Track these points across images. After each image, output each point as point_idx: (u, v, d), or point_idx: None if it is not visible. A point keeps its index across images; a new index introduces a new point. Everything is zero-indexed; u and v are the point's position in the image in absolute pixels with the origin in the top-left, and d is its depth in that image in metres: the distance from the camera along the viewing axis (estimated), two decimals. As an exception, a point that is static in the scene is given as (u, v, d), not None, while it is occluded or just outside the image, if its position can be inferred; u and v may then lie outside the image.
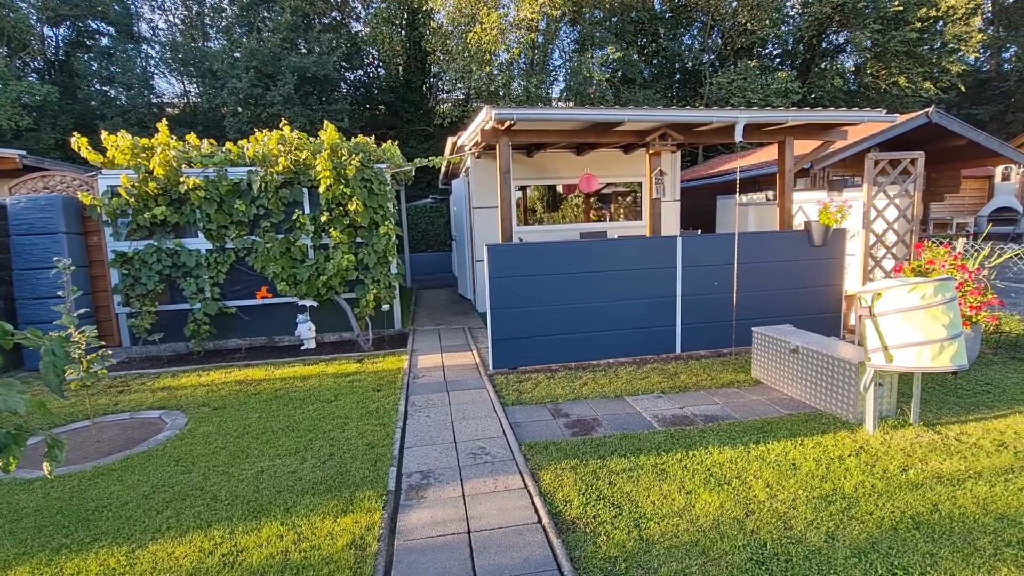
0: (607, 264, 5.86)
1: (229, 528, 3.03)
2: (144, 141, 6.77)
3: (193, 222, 6.84)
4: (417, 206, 17.06)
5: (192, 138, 7.19)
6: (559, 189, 9.91)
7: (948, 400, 4.62)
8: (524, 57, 19.81)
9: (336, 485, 3.46)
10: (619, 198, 10.17)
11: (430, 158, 8.16)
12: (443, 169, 11.66)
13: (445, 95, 24.38)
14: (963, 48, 19.52)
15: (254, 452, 4.01)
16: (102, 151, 6.71)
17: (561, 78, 21.29)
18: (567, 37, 22.41)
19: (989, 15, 23.18)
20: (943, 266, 5.42)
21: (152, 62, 20.88)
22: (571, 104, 19.63)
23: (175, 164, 6.62)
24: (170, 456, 4.00)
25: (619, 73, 20.86)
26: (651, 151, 6.46)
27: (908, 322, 3.72)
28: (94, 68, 19.25)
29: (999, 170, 14.40)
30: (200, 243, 6.93)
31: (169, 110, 21.79)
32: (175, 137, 7.02)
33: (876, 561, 2.58)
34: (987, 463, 3.51)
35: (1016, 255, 6.88)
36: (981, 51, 22.02)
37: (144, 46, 20.84)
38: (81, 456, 4.10)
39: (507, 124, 5.64)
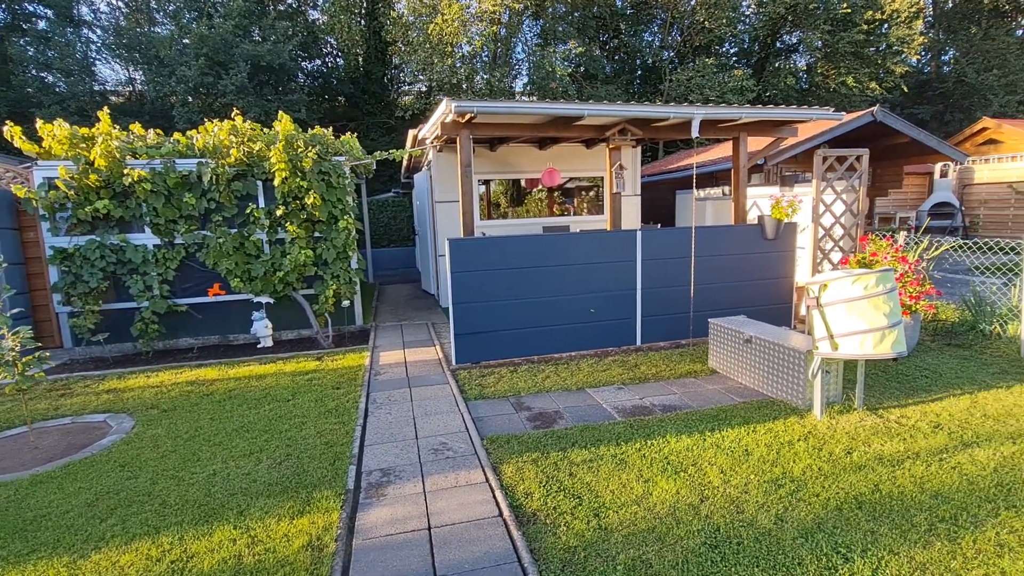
0: (568, 258, 5.91)
1: (179, 534, 2.91)
2: (84, 131, 6.40)
3: (139, 216, 6.52)
4: (379, 200, 16.77)
5: (137, 128, 6.84)
6: (522, 183, 9.92)
7: (890, 385, 4.87)
8: (487, 50, 19.67)
9: (293, 486, 3.37)
10: (582, 192, 10.25)
11: (391, 151, 8.03)
12: (405, 163, 11.49)
13: (407, 87, 23.99)
14: (906, 50, 20.51)
15: (206, 455, 3.86)
16: (38, 141, 6.31)
17: (524, 72, 21.29)
18: (530, 31, 22.39)
19: (930, 19, 24.41)
20: (885, 258, 5.70)
21: (94, 47, 19.73)
22: (534, 98, 19.65)
23: (118, 155, 6.28)
24: (115, 461, 3.81)
25: (581, 68, 20.99)
26: (611, 146, 6.53)
27: (852, 311, 3.89)
28: (30, 53, 18.04)
29: (938, 167, 15.22)
30: (147, 238, 6.62)
31: (113, 99, 20.65)
32: (119, 127, 6.66)
33: (822, 541, 2.70)
34: (924, 444, 3.72)
35: (952, 248, 7.29)
36: (923, 53, 23.20)
37: (85, 30, 19.66)
38: (18, 464, 3.86)
39: (468, 117, 5.59)
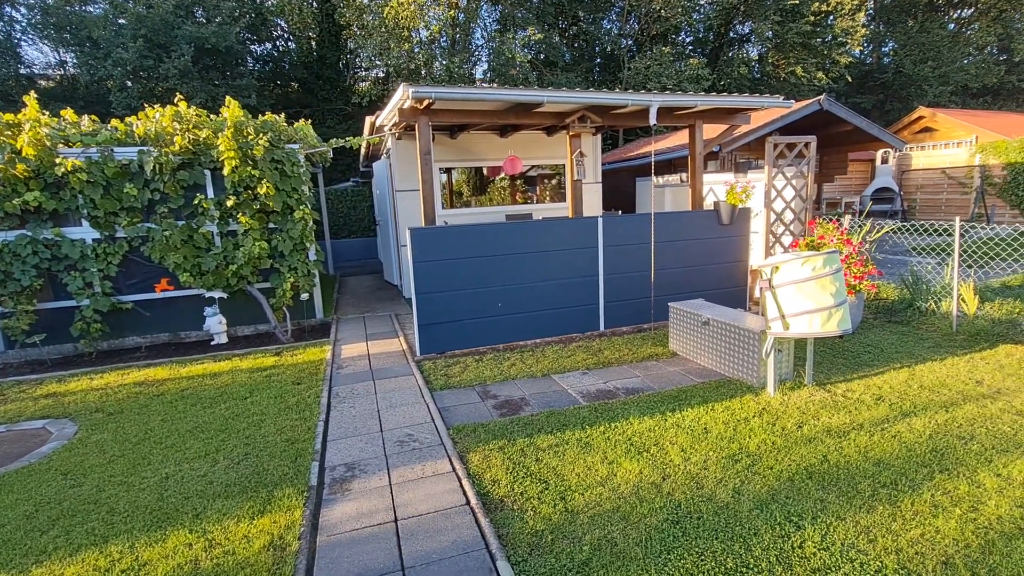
0: (531, 246, 5.91)
1: (129, 542, 2.78)
2: (8, 117, 5.94)
3: (75, 209, 6.12)
4: (337, 190, 16.32)
5: (69, 114, 6.39)
6: (484, 171, 9.83)
7: (837, 361, 5.12)
8: (445, 35, 19.33)
9: (252, 485, 3.27)
10: (544, 180, 10.26)
11: (348, 139, 7.79)
12: (363, 151, 11.20)
13: (363, 72, 23.32)
14: (850, 41, 21.36)
15: (157, 458, 3.70)
16: (-46, 128, 5.81)
17: (484, 59, 21.04)
18: (489, 16, 22.12)
19: (871, 12, 25.47)
20: (832, 241, 5.95)
21: (18, 27, 18.28)
22: (494, 85, 19.47)
23: (48, 143, 5.86)
24: (56, 469, 3.60)
25: (541, 55, 20.91)
26: (571, 133, 6.55)
27: (801, 292, 4.06)
28: (-57, 32, 16.56)
29: (879, 154, 15.99)
30: (85, 232, 6.22)
31: (41, 83, 19.24)
32: (48, 113, 6.21)
33: (775, 511, 2.82)
34: (867, 415, 3.93)
35: (891, 230, 7.68)
36: (865, 45, 24.18)
37: (8, 8, 18.17)
38: (-55, 477, 3.59)
39: (426, 103, 5.48)
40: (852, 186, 17.27)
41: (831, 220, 6.31)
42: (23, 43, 18.64)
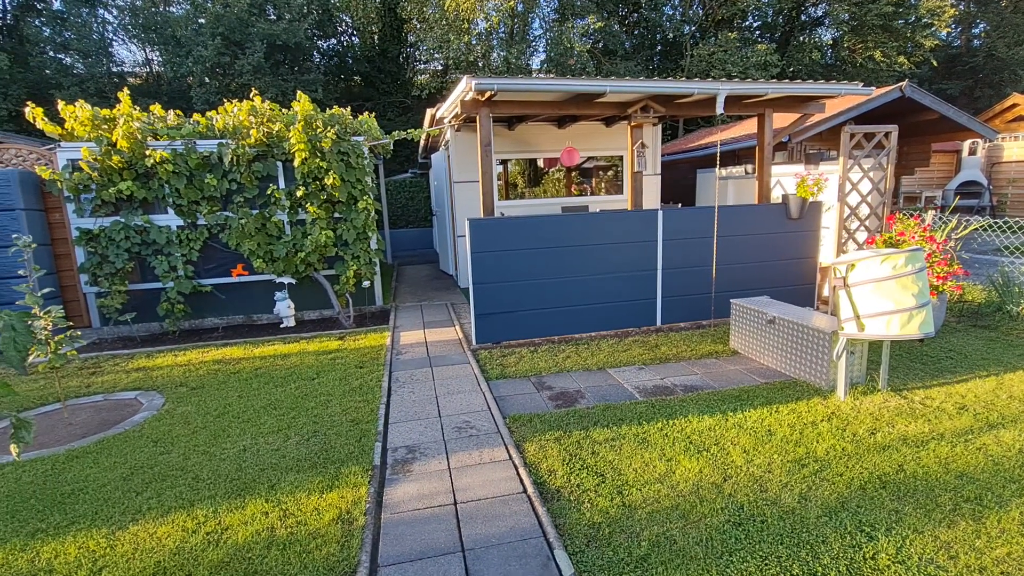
0: (588, 238, 5.87)
1: (212, 507, 3.01)
2: (105, 112, 6.46)
3: (162, 197, 6.61)
4: (396, 181, 16.74)
5: (157, 109, 6.87)
6: (540, 163, 9.81)
7: (914, 366, 4.80)
8: (503, 26, 19.32)
9: (321, 462, 3.46)
10: (600, 172, 10.13)
11: (408, 131, 7.98)
12: (422, 142, 11.43)
13: (423, 66, 23.72)
14: (936, 23, 19.71)
15: (235, 431, 3.97)
16: (60, 122, 6.38)
17: (541, 49, 20.90)
18: (547, 5, 21.89)
19: (962, -11, 23.40)
20: (913, 238, 5.57)
21: (110, 28, 19.77)
22: (552, 75, 19.32)
23: (140, 136, 6.34)
24: (148, 437, 3.94)
25: (600, 44, 20.53)
26: (633, 123, 6.42)
27: (879, 292, 3.83)
28: (46, 33, 18.14)
29: (967, 144, 14.74)
30: (171, 219, 6.71)
31: (131, 80, 20.75)
32: (138, 108, 6.71)
33: (846, 519, 2.70)
34: (949, 425, 3.68)
35: (980, 227, 7.10)
36: (953, 26, 22.27)
37: (101, 10, 19.67)
38: (54, 439, 4.00)
39: (488, 95, 5.52)
40: (934, 179, 16.04)
41: (912, 215, 5.90)
42: (115, 43, 20.16)
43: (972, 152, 14.83)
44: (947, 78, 23.38)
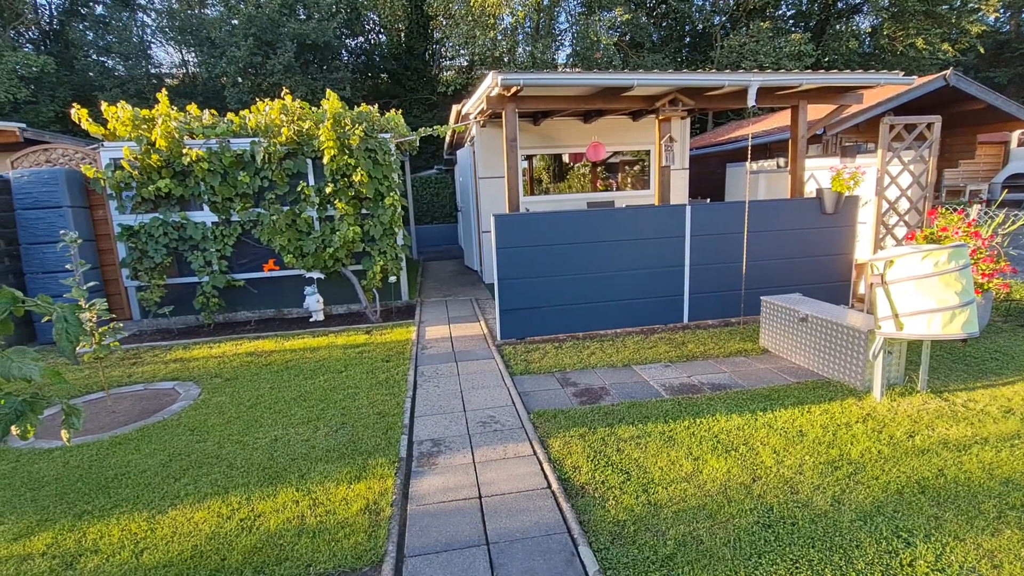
0: (614, 234, 5.81)
1: (246, 494, 3.10)
2: (145, 112, 6.68)
3: (198, 195, 6.81)
4: (422, 177, 16.89)
5: (193, 109, 7.08)
6: (566, 158, 9.75)
7: (956, 367, 4.61)
8: (529, 21, 19.25)
9: (349, 453, 3.52)
10: (626, 167, 10.00)
11: (434, 127, 8.01)
12: (448, 139, 11.49)
13: (448, 62, 23.83)
14: (983, 7, 18.77)
15: (267, 421, 4.08)
16: (103, 123, 6.64)
17: (567, 43, 20.75)
18: (573, -1, 21.70)
19: (1013, -29, 22.20)
20: (956, 233, 5.34)
21: (149, 31, 20.45)
22: (578, 69, 19.15)
23: (177, 135, 6.54)
24: (185, 426, 4.08)
25: (627, 37, 20.25)
26: (660, 117, 6.32)
27: (920, 289, 3.68)
28: (90, 37, 18.87)
29: (1015, 135, 14.03)
30: (206, 216, 6.91)
31: (168, 81, 21.43)
32: (175, 108, 6.92)
33: (881, 524, 2.62)
34: (993, 429, 3.52)
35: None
36: (1001, 11, 21.17)
37: (140, 14, 20.36)
38: (98, 426, 4.18)
39: (513, 90, 5.51)
40: (980, 172, 15.32)
41: (955, 210, 5.65)
42: (153, 45, 20.84)
43: (1021, 143, 14.11)
44: (994, 66, 22.27)
